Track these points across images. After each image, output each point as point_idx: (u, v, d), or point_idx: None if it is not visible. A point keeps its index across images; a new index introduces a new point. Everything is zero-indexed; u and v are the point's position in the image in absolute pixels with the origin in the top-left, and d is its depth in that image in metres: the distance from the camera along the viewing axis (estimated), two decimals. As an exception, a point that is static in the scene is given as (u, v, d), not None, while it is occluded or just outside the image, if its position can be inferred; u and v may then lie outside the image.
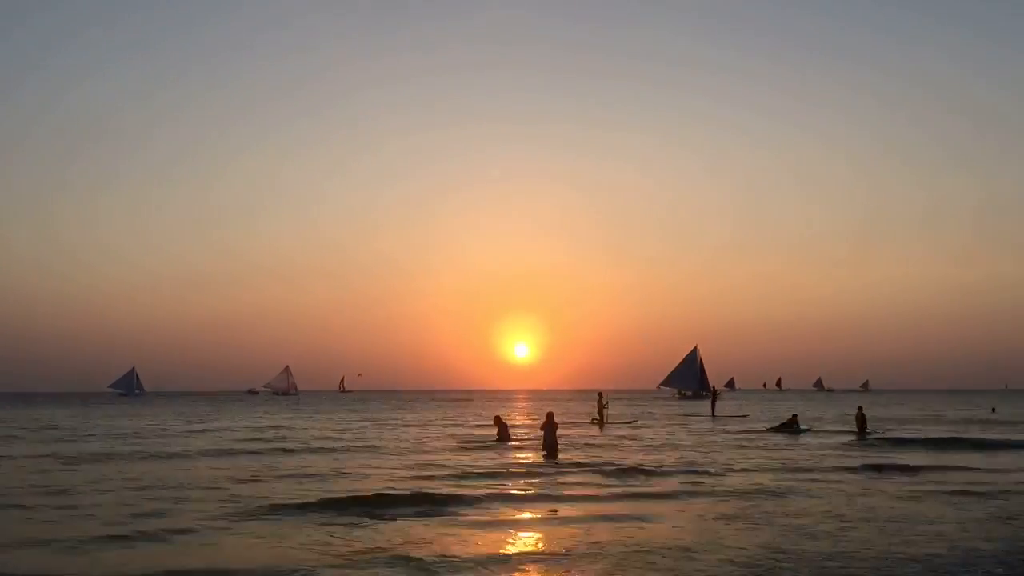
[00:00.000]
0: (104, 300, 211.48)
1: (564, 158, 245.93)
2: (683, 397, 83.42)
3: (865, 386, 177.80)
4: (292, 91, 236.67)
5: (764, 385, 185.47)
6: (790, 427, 34.93)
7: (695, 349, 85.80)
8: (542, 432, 24.76)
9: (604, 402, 42.14)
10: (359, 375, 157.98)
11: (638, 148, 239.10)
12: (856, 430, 32.42)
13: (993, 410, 60.45)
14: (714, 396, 57.22)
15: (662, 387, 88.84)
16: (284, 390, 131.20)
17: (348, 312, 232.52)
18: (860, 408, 34.94)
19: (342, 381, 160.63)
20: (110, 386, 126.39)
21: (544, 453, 23.46)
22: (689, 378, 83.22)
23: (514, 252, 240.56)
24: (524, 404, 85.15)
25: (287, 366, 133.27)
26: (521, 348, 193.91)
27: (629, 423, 42.03)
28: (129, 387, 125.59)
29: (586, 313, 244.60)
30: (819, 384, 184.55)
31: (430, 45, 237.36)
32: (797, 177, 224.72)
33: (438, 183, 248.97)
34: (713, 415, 50.15)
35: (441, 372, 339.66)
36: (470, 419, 49.01)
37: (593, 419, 42.41)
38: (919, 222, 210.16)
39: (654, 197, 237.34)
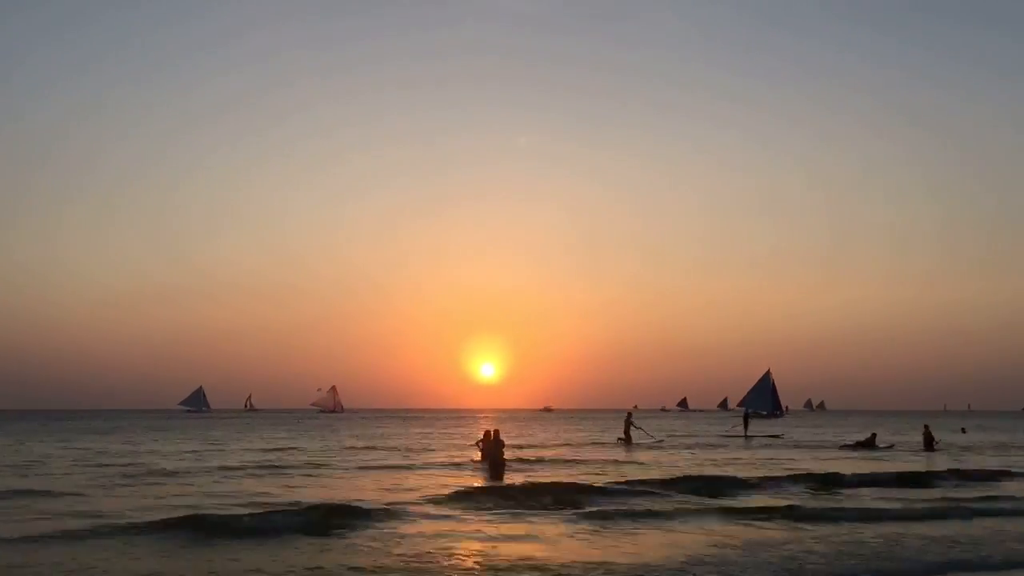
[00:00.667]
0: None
1: (540, 175, 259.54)
2: (758, 417, 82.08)
3: (821, 406, 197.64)
4: (258, 100, 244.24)
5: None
6: (868, 446, 36.82)
7: (768, 372, 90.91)
8: (479, 450, 25.35)
9: (632, 421, 41.38)
10: (319, 390, 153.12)
11: (613, 167, 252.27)
12: (924, 447, 36.29)
13: (963, 431, 62.01)
14: (746, 418, 55.82)
15: (737, 407, 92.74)
16: (331, 408, 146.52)
17: (313, 328, 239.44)
18: (927, 426, 38.81)
19: (248, 399, 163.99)
20: (180, 403, 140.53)
21: (486, 475, 22.62)
22: (764, 399, 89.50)
23: (484, 269, 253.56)
24: (485, 424, 76.48)
25: (333, 386, 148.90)
26: (487, 367, 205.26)
27: (658, 441, 41.76)
28: (198, 404, 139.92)
29: (555, 332, 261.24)
30: (809, 405, 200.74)
31: (406, 58, 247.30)
32: (769, 197, 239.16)
33: (410, 198, 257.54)
34: (746, 435, 49.24)
35: (407, 391, 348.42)
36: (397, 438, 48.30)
37: (619, 439, 41.58)
38: (886, 244, 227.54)
39: (628, 216, 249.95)
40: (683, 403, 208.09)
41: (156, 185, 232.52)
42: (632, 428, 40.75)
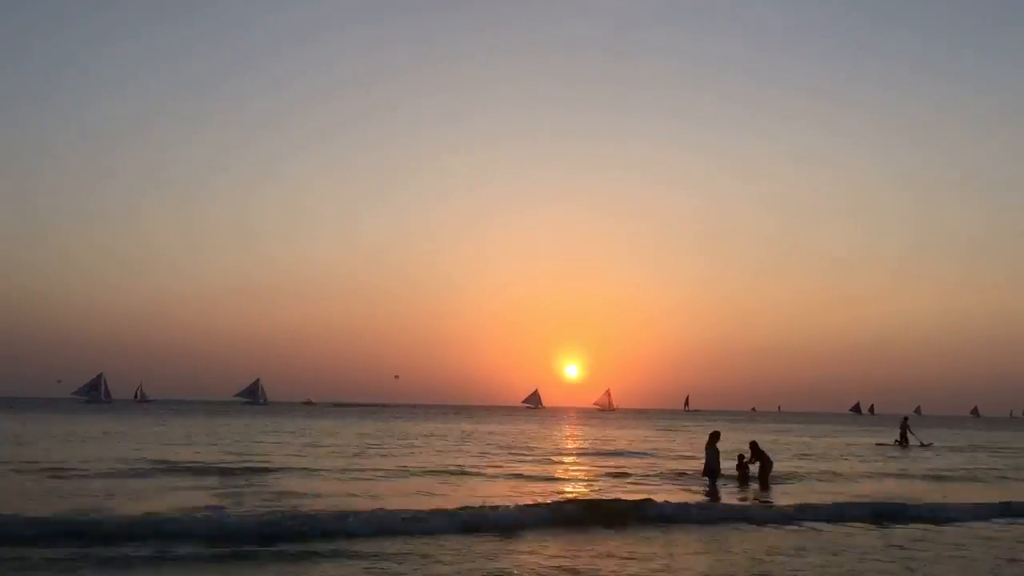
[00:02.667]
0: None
1: (616, 179, 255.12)
2: None
3: (917, 411, 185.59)
4: (335, 102, 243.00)
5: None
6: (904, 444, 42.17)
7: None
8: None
9: (907, 425, 44.18)
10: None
11: (678, 166, 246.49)
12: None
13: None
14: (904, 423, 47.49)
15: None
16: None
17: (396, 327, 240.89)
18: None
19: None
20: (237, 395, 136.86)
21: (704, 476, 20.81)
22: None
23: (558, 272, 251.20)
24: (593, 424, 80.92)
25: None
26: (571, 367, 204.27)
27: (925, 446, 42.89)
28: (254, 396, 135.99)
29: (628, 332, 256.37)
30: (856, 408, 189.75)
31: (496, 55, 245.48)
32: (846, 198, 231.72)
33: (488, 202, 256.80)
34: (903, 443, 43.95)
35: (488, 389, 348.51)
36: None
37: (896, 441, 44.06)
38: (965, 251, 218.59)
39: (698, 218, 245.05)
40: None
41: (236, 182, 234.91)
42: (908, 432, 43.57)
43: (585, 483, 20.84)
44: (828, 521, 14.24)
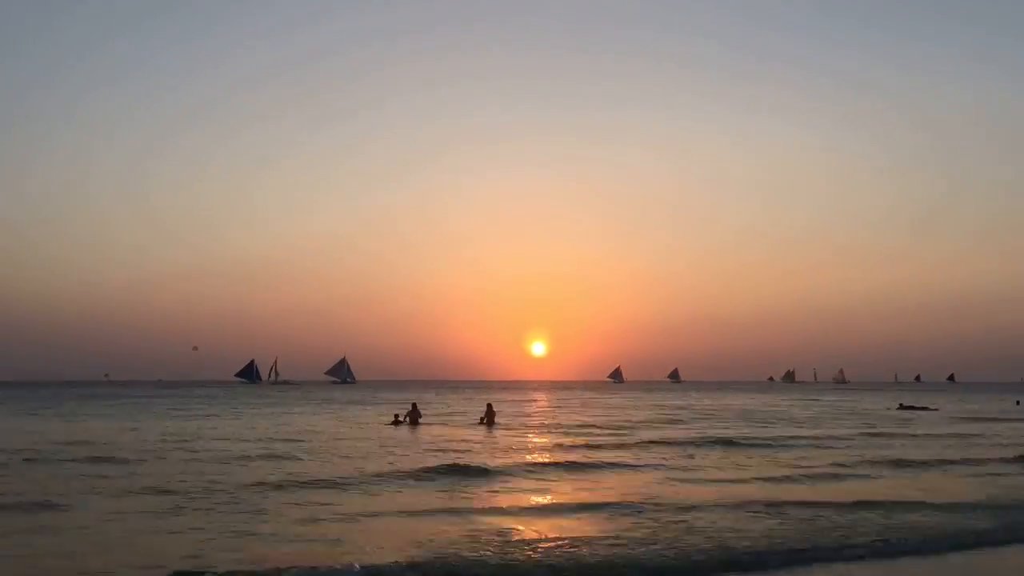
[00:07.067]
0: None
1: (573, 144, 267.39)
2: None
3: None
4: (293, 84, 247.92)
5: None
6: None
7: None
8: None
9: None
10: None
11: (651, 131, 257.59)
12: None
13: (1018, 403, 67.34)
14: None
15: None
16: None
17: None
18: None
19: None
20: (326, 372, 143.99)
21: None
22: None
23: (524, 249, 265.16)
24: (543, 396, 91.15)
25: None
26: (537, 345, 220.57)
27: None
28: (342, 375, 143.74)
29: (591, 307, 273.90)
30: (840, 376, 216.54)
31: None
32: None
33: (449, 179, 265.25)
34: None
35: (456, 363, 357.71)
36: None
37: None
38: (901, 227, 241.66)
39: (669, 183, 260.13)
40: (674, 374, 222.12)
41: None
42: None
43: None
44: None
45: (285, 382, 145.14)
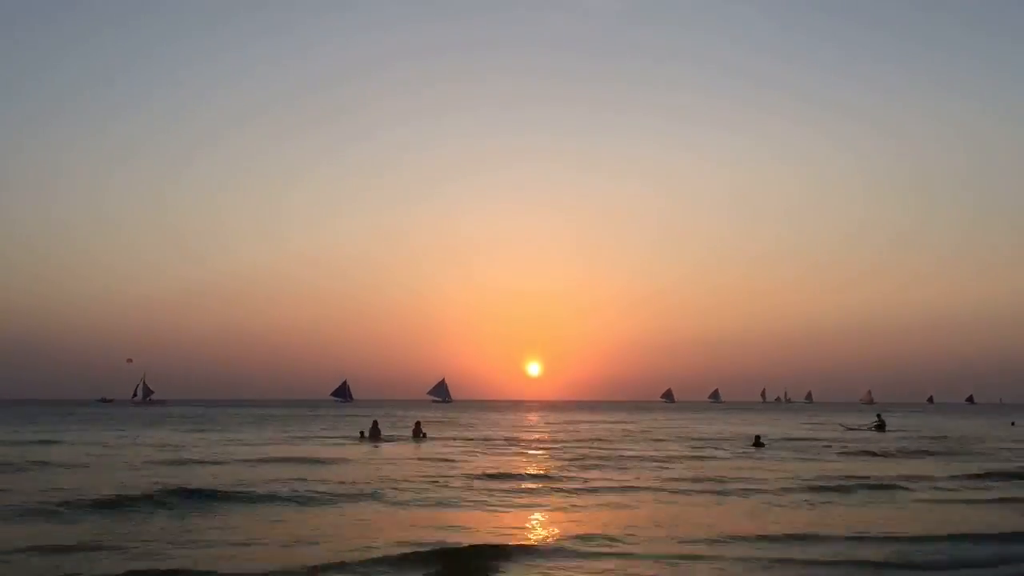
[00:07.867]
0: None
1: (573, 174, 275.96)
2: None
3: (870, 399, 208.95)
4: (308, 99, 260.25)
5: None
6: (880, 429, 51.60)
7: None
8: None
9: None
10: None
11: (641, 159, 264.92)
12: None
13: (1013, 424, 66.50)
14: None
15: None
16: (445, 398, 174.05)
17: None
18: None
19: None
20: (331, 394, 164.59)
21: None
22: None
23: (517, 268, 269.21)
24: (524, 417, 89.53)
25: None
26: (533, 365, 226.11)
27: None
28: (344, 395, 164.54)
29: (591, 326, 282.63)
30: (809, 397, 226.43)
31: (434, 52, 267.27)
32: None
33: (461, 197, 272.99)
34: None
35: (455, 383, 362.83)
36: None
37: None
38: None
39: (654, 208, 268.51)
40: (668, 395, 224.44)
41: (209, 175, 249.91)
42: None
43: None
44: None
45: (161, 401, 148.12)
